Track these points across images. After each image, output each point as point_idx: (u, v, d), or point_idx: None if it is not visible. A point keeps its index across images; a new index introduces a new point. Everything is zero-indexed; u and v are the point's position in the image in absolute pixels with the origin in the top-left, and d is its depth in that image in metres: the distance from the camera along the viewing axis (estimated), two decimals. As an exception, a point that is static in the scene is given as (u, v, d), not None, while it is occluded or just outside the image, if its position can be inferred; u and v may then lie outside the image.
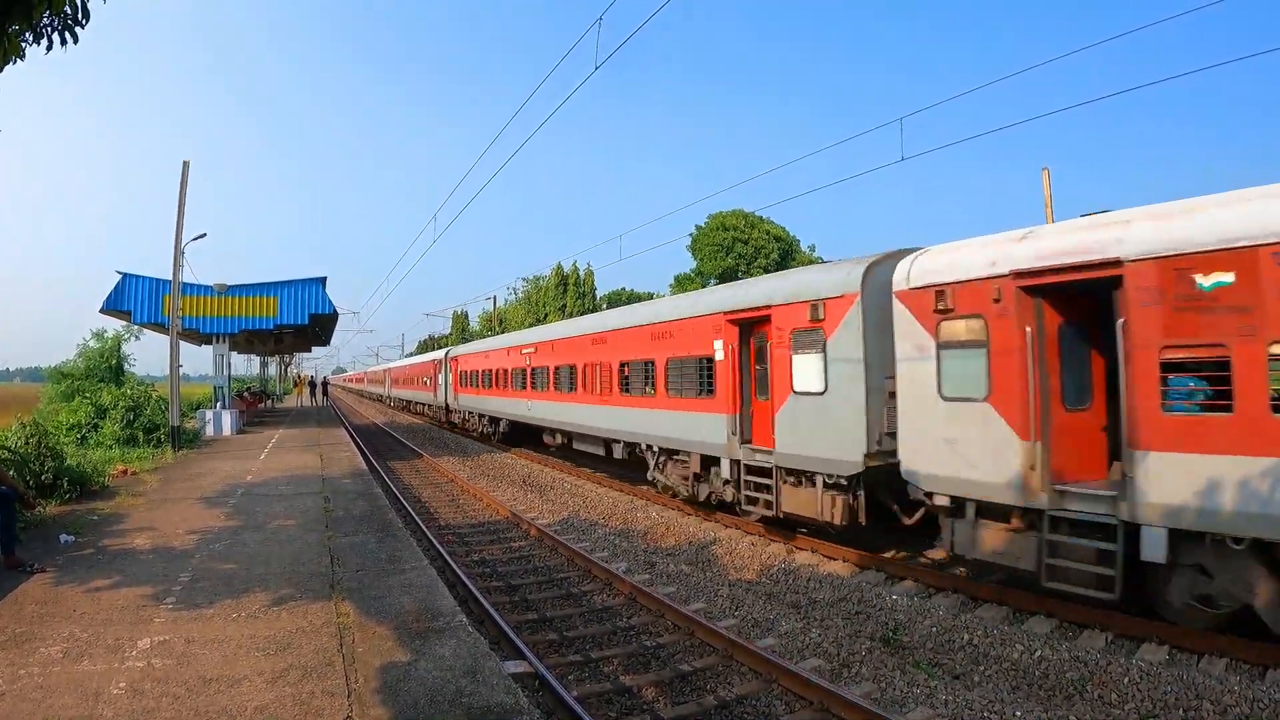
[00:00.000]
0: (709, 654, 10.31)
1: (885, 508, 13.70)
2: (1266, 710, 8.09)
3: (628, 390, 21.52)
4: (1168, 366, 9.10)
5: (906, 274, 12.37)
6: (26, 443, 16.65)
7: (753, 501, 15.81)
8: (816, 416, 14.02)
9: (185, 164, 28.35)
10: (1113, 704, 8.66)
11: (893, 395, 12.82)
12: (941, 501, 11.77)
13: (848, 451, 13.28)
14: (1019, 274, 10.68)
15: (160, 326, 33.23)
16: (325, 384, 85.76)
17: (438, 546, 15.47)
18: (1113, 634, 10.34)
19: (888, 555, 14.15)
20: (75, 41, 7.24)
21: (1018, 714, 8.38)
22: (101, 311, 33.74)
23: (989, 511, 11.22)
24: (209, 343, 36.30)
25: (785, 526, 15.79)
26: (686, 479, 18.42)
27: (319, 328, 45.33)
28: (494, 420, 37.59)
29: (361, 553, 11.89)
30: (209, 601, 9.33)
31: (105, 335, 37.27)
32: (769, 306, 15.37)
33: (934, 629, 10.89)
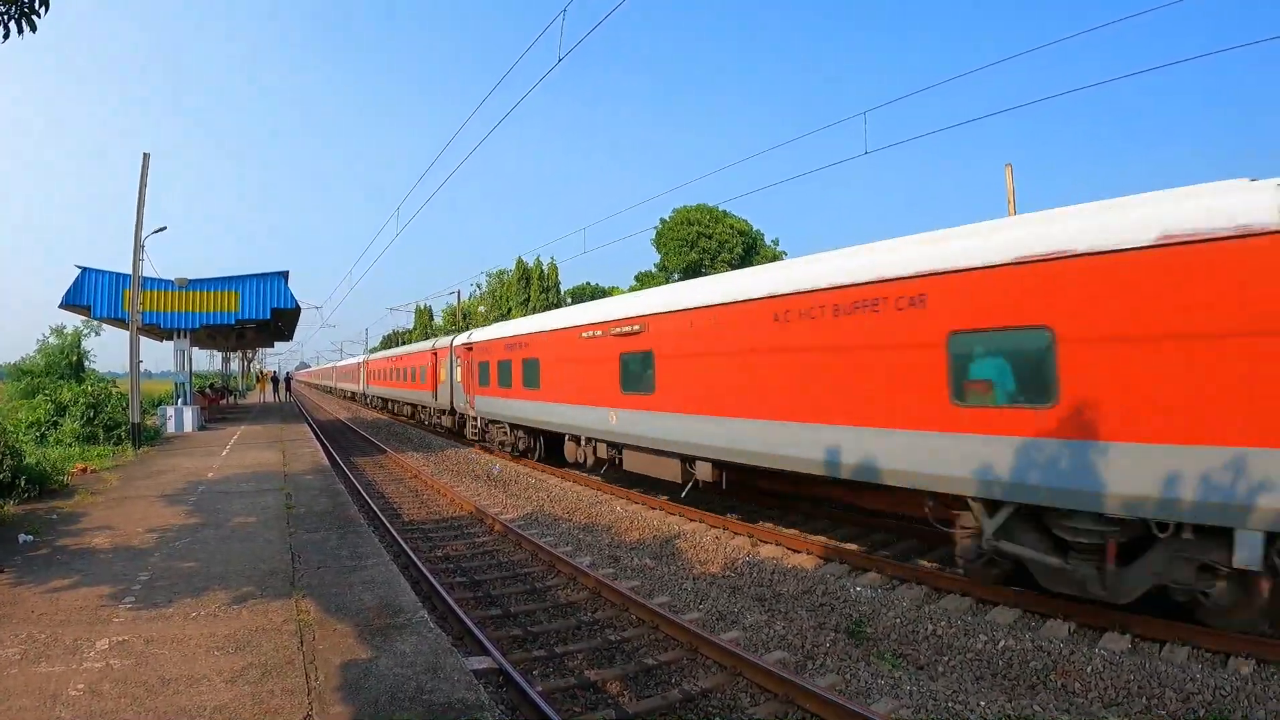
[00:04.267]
0: (674, 648, 10.32)
1: None
2: (1229, 698, 8.23)
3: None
4: None
5: None
6: (-15, 441, 16.43)
7: None
8: None
9: (145, 156, 28.00)
10: (1076, 693, 8.77)
11: None
12: None
13: None
14: None
15: (120, 322, 32.82)
16: (289, 379, 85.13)
17: (400, 543, 15.40)
18: (1075, 623, 10.48)
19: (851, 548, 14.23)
20: (34, 30, 7.12)
21: (982, 704, 8.46)
22: (61, 306, 33.29)
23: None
24: (170, 338, 35.83)
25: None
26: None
27: (281, 322, 44.99)
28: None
29: (323, 550, 11.80)
30: (168, 601, 9.23)
31: (65, 331, 36.79)
32: None
33: (898, 620, 10.97)
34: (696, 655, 10.01)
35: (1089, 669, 9.11)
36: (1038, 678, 9.16)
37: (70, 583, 10.07)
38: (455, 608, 11.30)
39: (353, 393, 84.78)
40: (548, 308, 68.59)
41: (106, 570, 10.68)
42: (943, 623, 10.71)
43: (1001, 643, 9.97)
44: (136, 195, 27.95)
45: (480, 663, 8.72)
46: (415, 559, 14.07)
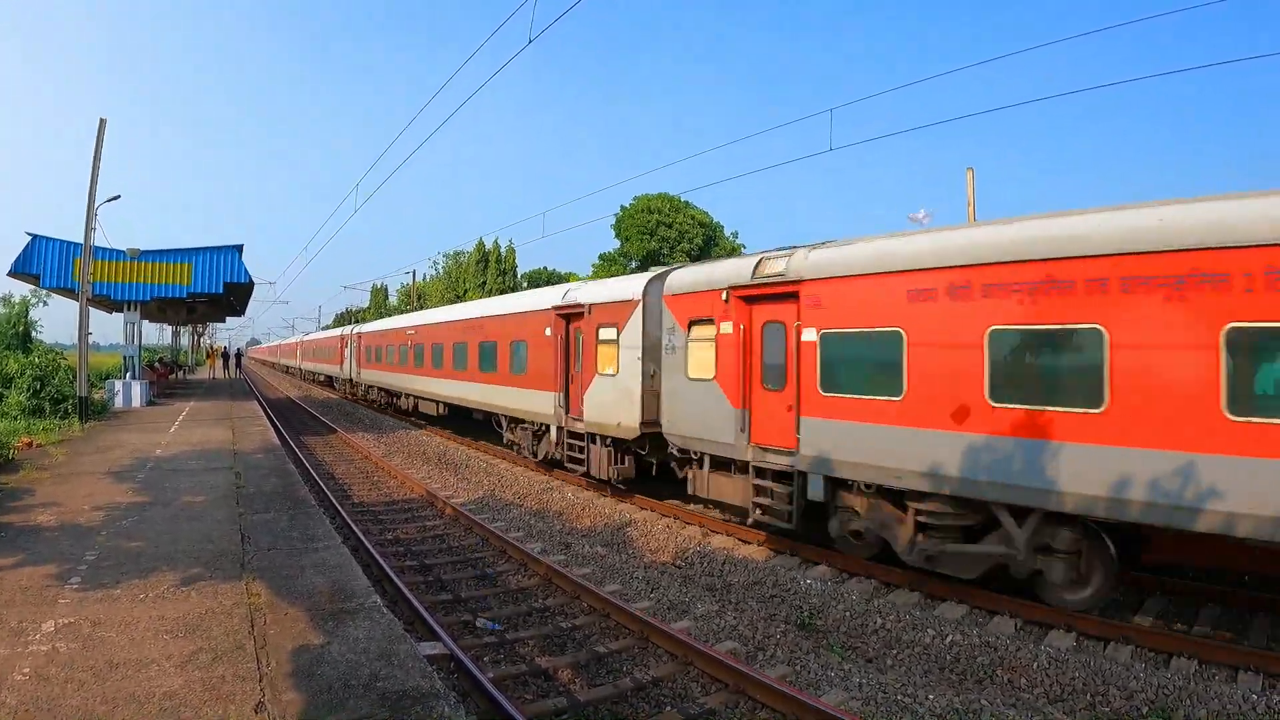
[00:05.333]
0: (625, 636, 10.40)
1: None
2: (1171, 696, 8.43)
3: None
4: None
5: None
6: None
7: None
8: None
9: (101, 122, 27.48)
10: (1022, 688, 8.97)
11: None
12: None
13: None
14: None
15: (70, 292, 32.20)
16: (239, 355, 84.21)
17: (350, 525, 15.31)
18: (1021, 620, 10.68)
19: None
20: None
21: (930, 697, 8.60)
22: (9, 274, 32.61)
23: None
24: (120, 310, 35.15)
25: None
26: None
27: (234, 297, 44.35)
28: None
29: (273, 531, 11.67)
30: (115, 581, 9.06)
31: (13, 300, 36.09)
32: None
33: (848, 613, 11.12)
34: (648, 644, 10.08)
35: (1035, 665, 9.29)
36: (985, 673, 9.34)
37: (14, 561, 9.86)
38: (406, 592, 11.29)
39: (400, 393, 38.57)
40: (503, 291, 68.44)
41: (52, 549, 10.47)
42: (891, 617, 10.86)
43: (949, 638, 10.13)
44: (91, 161, 27.43)
45: (431, 648, 8.70)
46: (365, 542, 14.01)
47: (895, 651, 10.05)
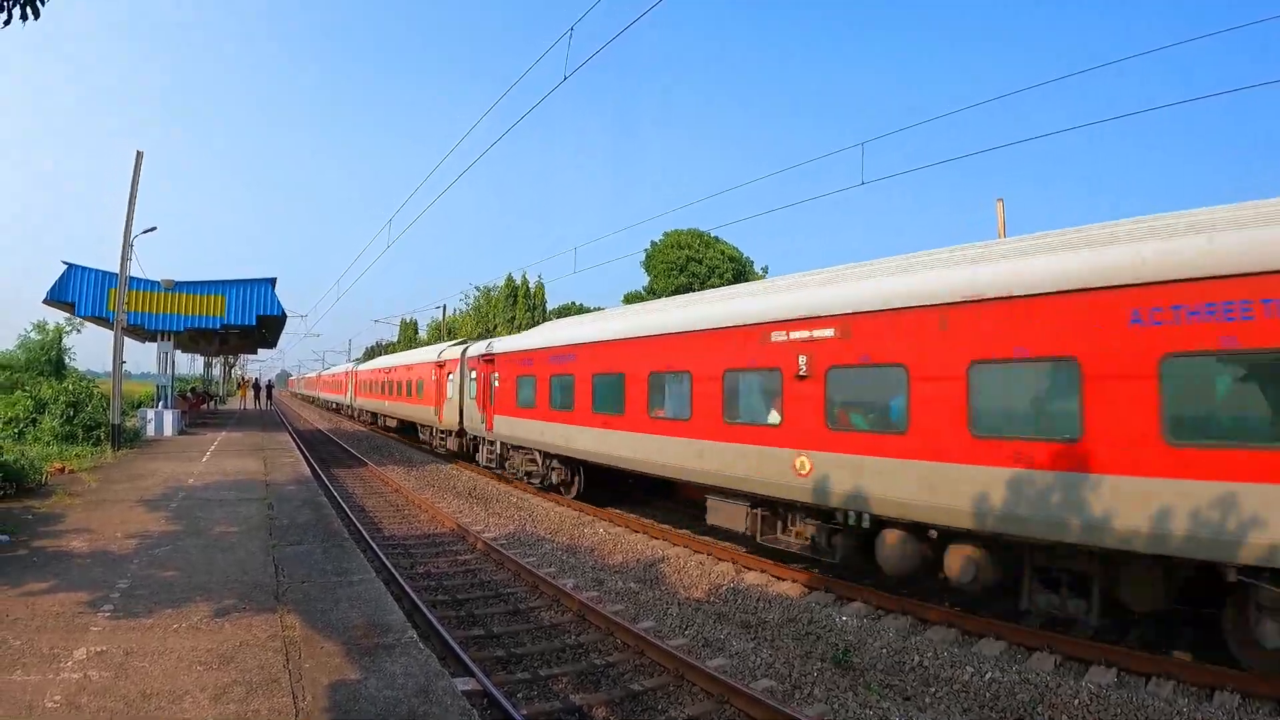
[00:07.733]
0: (660, 673, 10.22)
1: None
2: (1215, 730, 8.28)
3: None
4: None
5: None
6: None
7: None
8: None
9: (138, 155, 27.85)
10: (1064, 725, 8.76)
11: None
12: None
13: None
14: None
15: (104, 321, 32.53)
16: (270, 387, 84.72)
17: (382, 558, 15.21)
18: (1061, 656, 10.49)
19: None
20: (36, 17, 6.95)
21: (970, 735, 8.45)
22: (45, 302, 33.00)
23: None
24: (153, 340, 35.49)
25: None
26: None
27: (266, 329, 44.66)
28: None
29: (307, 563, 11.62)
30: (148, 611, 9.02)
31: (47, 327, 36.42)
32: None
33: (884, 650, 10.93)
34: (683, 682, 9.90)
35: (1076, 701, 9.12)
36: (1025, 710, 9.14)
37: (47, 586, 9.86)
38: (438, 626, 11.16)
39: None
40: (533, 326, 68.45)
41: (84, 575, 10.46)
42: (929, 654, 10.69)
43: (989, 675, 9.95)
44: (128, 193, 27.73)
45: (464, 684, 8.58)
46: (397, 575, 13.90)
47: (933, 689, 9.83)
